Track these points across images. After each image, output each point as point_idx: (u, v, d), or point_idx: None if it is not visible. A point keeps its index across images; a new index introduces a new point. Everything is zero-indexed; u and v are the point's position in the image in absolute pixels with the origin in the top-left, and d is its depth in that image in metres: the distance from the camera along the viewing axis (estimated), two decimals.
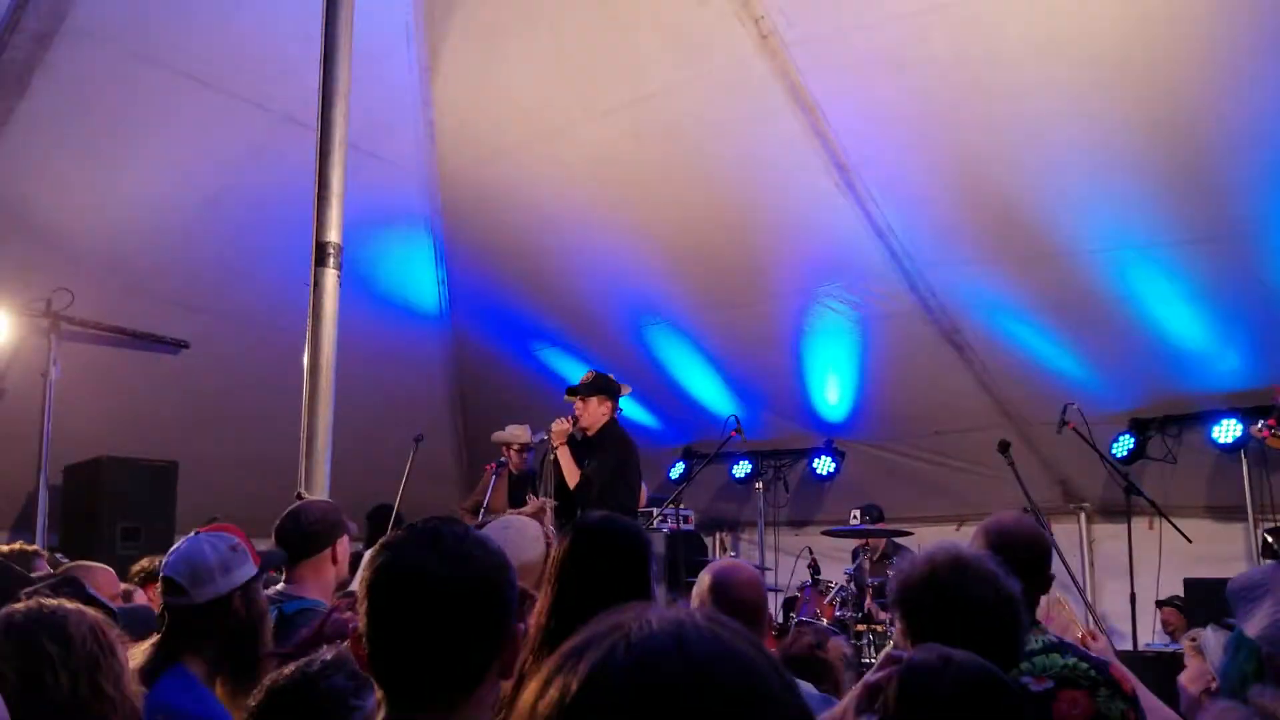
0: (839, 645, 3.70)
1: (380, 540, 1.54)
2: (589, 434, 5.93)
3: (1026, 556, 2.62)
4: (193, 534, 2.57)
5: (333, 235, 4.53)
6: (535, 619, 2.27)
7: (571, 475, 5.76)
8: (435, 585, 1.43)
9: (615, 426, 5.97)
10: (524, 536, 2.75)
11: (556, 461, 5.89)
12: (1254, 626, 2.11)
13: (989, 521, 2.81)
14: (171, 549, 2.55)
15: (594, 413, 5.90)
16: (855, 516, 7.22)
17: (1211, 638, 2.90)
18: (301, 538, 3.17)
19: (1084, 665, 2.41)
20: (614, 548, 2.40)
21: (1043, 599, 2.85)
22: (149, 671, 2.37)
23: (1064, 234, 6.35)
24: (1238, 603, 2.17)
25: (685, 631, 0.73)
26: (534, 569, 2.68)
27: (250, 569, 2.55)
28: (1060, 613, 3.12)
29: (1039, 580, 2.74)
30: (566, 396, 6.03)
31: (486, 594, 1.46)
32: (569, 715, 0.69)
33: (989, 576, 2.20)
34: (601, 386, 5.97)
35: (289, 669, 1.91)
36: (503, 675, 1.48)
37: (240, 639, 2.49)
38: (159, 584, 2.53)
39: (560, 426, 5.85)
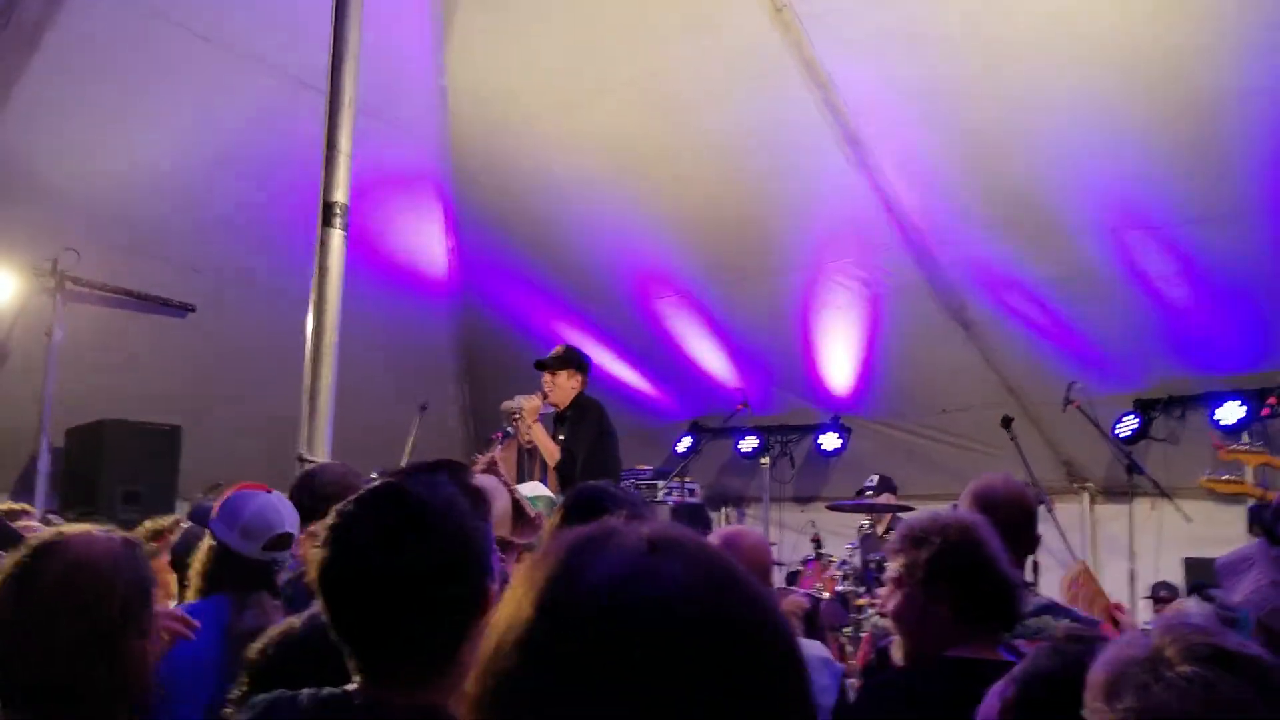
0: (795, 601, 3.74)
1: (332, 513, 1.49)
2: (559, 408, 5.93)
3: (1013, 518, 2.70)
4: (261, 493, 2.70)
5: (339, 195, 4.51)
6: None
7: (550, 452, 5.72)
8: (383, 579, 1.39)
9: (586, 398, 5.95)
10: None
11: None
12: (1240, 594, 2.14)
13: (977, 485, 2.87)
14: (267, 506, 2.65)
15: (563, 387, 5.86)
16: (873, 480, 7.21)
17: (1195, 610, 2.94)
18: (315, 501, 3.17)
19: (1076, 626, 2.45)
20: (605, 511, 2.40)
21: (1071, 569, 2.89)
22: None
23: (1074, 213, 6.34)
24: (1225, 576, 2.20)
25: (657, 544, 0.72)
26: (505, 518, 2.70)
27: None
28: (1089, 584, 3.13)
29: (1025, 541, 2.82)
30: (535, 368, 6.01)
31: (445, 574, 1.40)
32: (533, 631, 0.69)
33: (995, 538, 2.30)
34: (571, 360, 5.94)
35: (299, 620, 1.90)
36: None
37: None
38: (274, 540, 2.61)
39: (531, 404, 5.80)
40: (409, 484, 1.48)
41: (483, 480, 2.94)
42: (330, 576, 1.43)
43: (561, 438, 5.78)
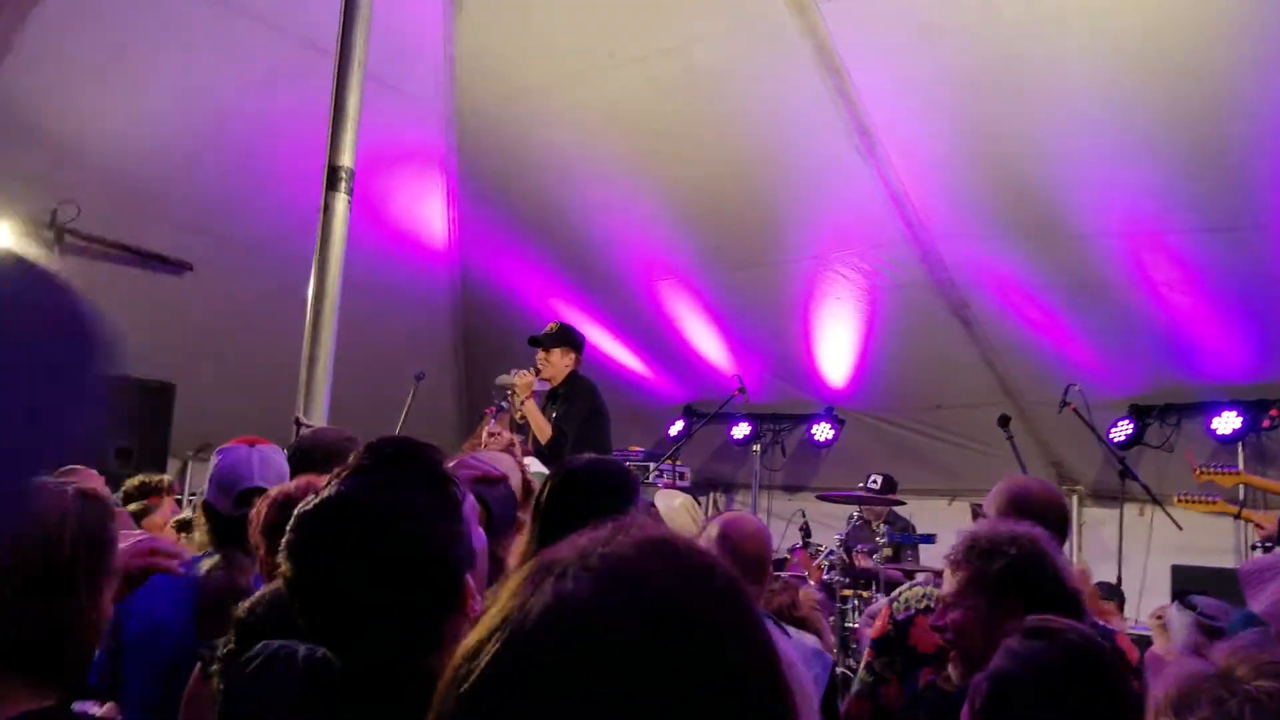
0: (809, 594, 3.72)
1: (290, 525, 1.46)
2: (553, 385, 5.89)
3: (1049, 523, 2.57)
4: (243, 447, 2.66)
5: (345, 159, 4.49)
6: (518, 559, 2.27)
7: (542, 430, 5.67)
8: (343, 592, 1.38)
9: (580, 377, 5.92)
10: (497, 464, 2.74)
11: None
12: (1260, 604, 2.12)
13: (1013, 487, 2.79)
14: (240, 460, 2.61)
15: (557, 364, 5.83)
16: (876, 481, 7.20)
17: (1176, 617, 2.93)
18: (312, 463, 3.15)
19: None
20: (601, 486, 2.39)
21: None
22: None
23: (1081, 215, 6.31)
24: (1247, 584, 2.18)
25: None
26: (516, 494, 2.70)
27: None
28: None
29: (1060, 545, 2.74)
30: (529, 344, 5.96)
31: (404, 581, 1.38)
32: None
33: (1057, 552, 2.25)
34: (565, 338, 5.91)
35: None
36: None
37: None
38: (241, 493, 2.56)
39: (524, 380, 5.75)
40: (364, 490, 1.43)
41: (497, 458, 2.93)
42: (292, 589, 1.43)
43: (554, 415, 5.76)
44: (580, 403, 5.75)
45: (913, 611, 2.65)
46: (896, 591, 2.90)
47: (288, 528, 1.45)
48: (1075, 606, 2.16)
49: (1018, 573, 2.17)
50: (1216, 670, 1.24)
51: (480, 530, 1.56)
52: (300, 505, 1.46)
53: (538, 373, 5.80)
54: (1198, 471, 6.11)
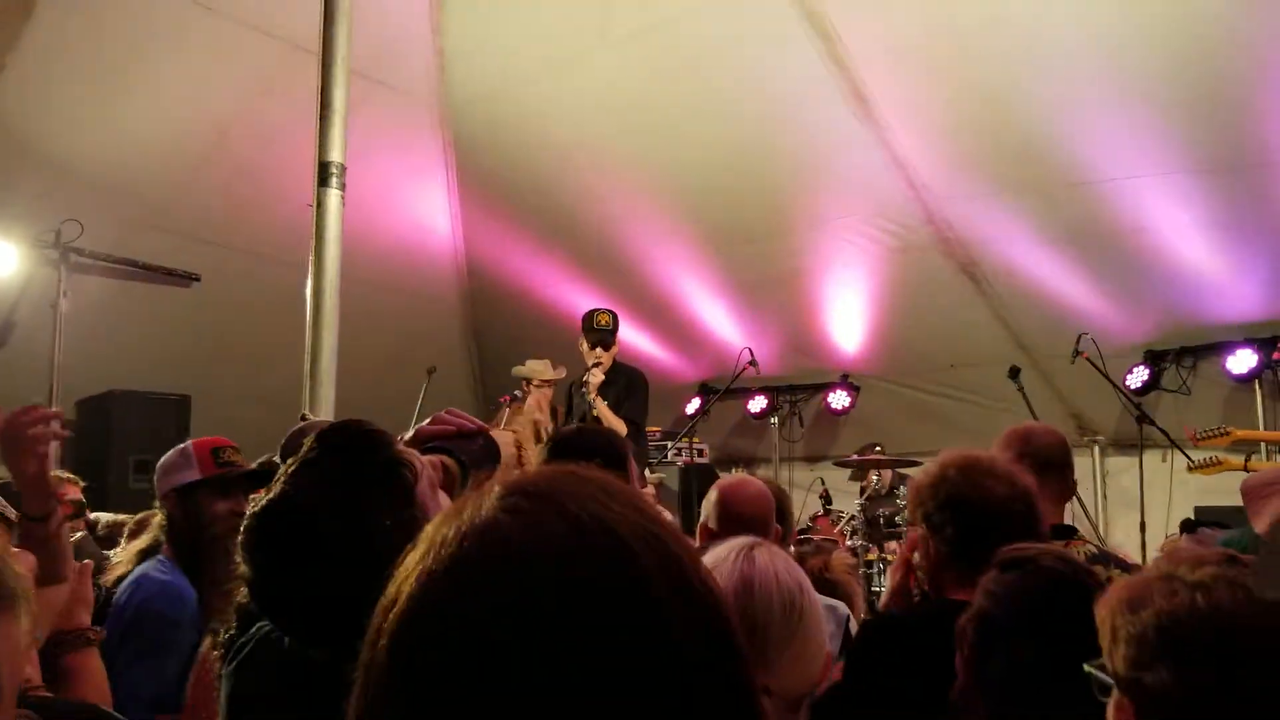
0: (841, 559, 3.75)
1: (245, 517, 1.44)
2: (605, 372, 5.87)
3: (1048, 455, 2.72)
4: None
5: (335, 155, 4.49)
6: None
7: (617, 425, 5.61)
8: (289, 595, 1.38)
9: (629, 366, 6.01)
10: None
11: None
12: (1261, 523, 2.08)
13: (1015, 430, 2.87)
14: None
15: (612, 354, 5.87)
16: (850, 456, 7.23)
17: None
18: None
19: (1125, 577, 2.43)
20: (595, 454, 2.42)
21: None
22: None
23: (1082, 163, 6.26)
24: (1249, 501, 2.15)
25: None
26: (510, 463, 2.74)
27: (188, 475, 2.65)
28: None
29: (1063, 481, 2.81)
30: (596, 344, 5.86)
31: (347, 581, 1.31)
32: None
33: (1002, 473, 2.22)
34: (618, 324, 5.98)
35: None
36: None
37: (178, 539, 2.65)
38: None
39: (596, 379, 5.72)
40: (309, 487, 1.40)
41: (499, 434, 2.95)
42: (249, 587, 1.43)
43: (611, 403, 5.71)
44: (641, 389, 5.79)
45: None
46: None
47: (242, 527, 1.43)
48: (1003, 535, 2.01)
49: (937, 495, 2.22)
50: (1160, 573, 1.29)
51: (443, 501, 1.53)
52: (251, 504, 1.45)
53: (597, 363, 5.73)
54: (1193, 438, 6.11)
